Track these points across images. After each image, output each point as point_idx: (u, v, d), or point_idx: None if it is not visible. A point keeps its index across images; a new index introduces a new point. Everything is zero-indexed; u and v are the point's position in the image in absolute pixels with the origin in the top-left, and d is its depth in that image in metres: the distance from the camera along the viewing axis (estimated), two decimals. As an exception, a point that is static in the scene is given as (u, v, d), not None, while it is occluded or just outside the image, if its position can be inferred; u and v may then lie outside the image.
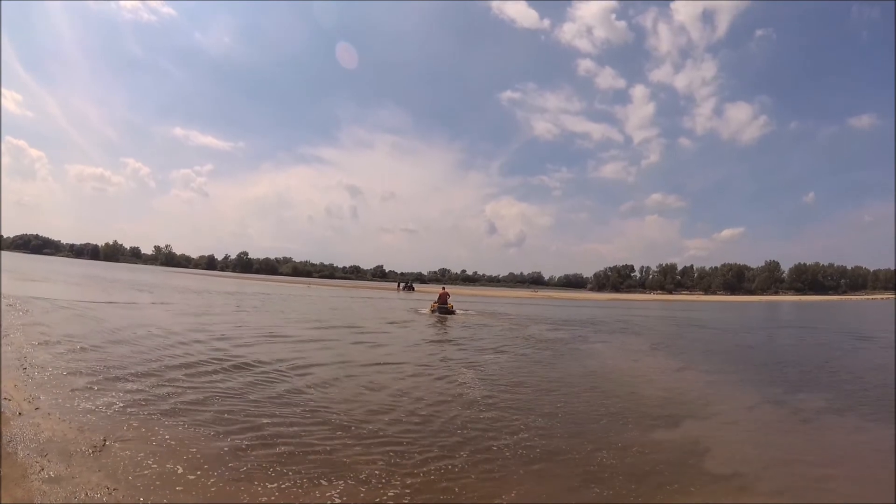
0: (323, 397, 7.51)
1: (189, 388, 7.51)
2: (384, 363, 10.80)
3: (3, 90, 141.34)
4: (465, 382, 8.93)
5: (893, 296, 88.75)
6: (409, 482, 4.66)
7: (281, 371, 9.14)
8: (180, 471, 4.54)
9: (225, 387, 7.75)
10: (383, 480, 4.68)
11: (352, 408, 6.96)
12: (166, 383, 7.66)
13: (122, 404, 6.39)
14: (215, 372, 8.76)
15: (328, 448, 5.39)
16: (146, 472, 4.48)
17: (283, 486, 4.44)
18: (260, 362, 9.75)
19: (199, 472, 4.54)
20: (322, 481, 4.58)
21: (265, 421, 6.16)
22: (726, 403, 8.54)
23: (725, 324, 30.28)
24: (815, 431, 7.13)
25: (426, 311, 25.15)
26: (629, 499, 4.57)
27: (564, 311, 35.53)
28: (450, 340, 15.09)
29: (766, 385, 10.13)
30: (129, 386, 7.34)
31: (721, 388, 9.80)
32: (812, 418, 7.74)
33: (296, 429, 5.94)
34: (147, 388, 7.26)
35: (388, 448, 5.49)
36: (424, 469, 4.98)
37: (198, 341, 11.87)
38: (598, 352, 14.53)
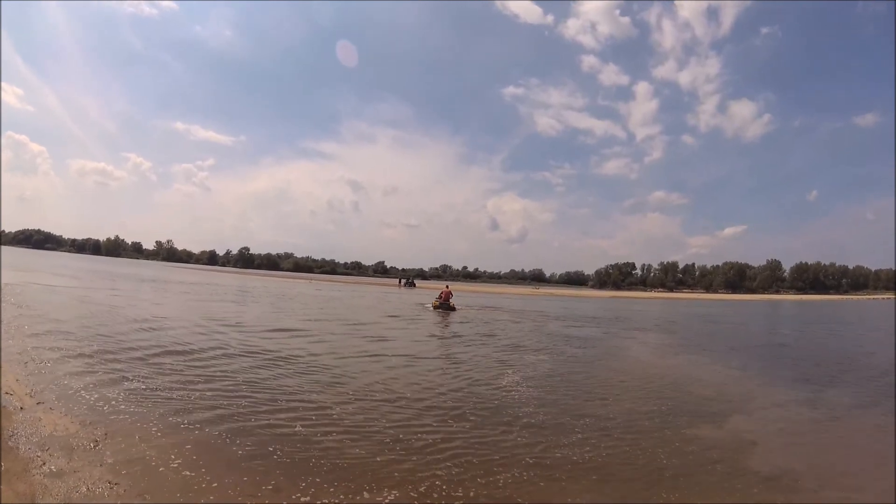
0: (358, 399, 7.19)
1: (199, 381, 7.48)
2: (415, 357, 10.83)
3: (3, 85, 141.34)
4: (508, 384, 8.66)
5: (895, 296, 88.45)
6: (471, 493, 4.43)
7: (307, 365, 9.13)
8: (184, 468, 4.49)
9: (240, 380, 7.69)
10: (444, 493, 4.41)
11: (394, 413, 6.66)
12: (173, 376, 7.64)
13: (125, 398, 6.35)
14: (226, 366, 8.74)
15: (377, 459, 5.04)
16: (149, 467, 4.44)
17: (319, 501, 4.15)
18: (281, 356, 9.76)
19: (203, 472, 4.45)
20: (366, 493, 4.30)
21: (294, 424, 5.88)
22: (765, 399, 8.66)
23: (738, 321, 30.51)
24: (848, 427, 7.22)
25: (431, 307, 25.20)
26: (696, 499, 4.55)
27: (573, 308, 35.49)
28: (473, 338, 14.81)
29: (801, 381, 10.32)
30: (133, 379, 7.30)
31: (758, 385, 9.90)
32: (844, 415, 7.86)
33: (333, 437, 5.56)
34: (152, 382, 7.22)
35: (442, 457, 5.17)
36: (489, 479, 4.72)
37: (207, 333, 11.83)
38: (628, 348, 14.61)
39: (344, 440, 5.47)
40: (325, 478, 4.52)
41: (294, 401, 6.86)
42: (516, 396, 7.85)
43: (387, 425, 6.06)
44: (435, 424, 6.23)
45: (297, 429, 5.71)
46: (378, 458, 5.05)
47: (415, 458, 5.14)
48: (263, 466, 4.66)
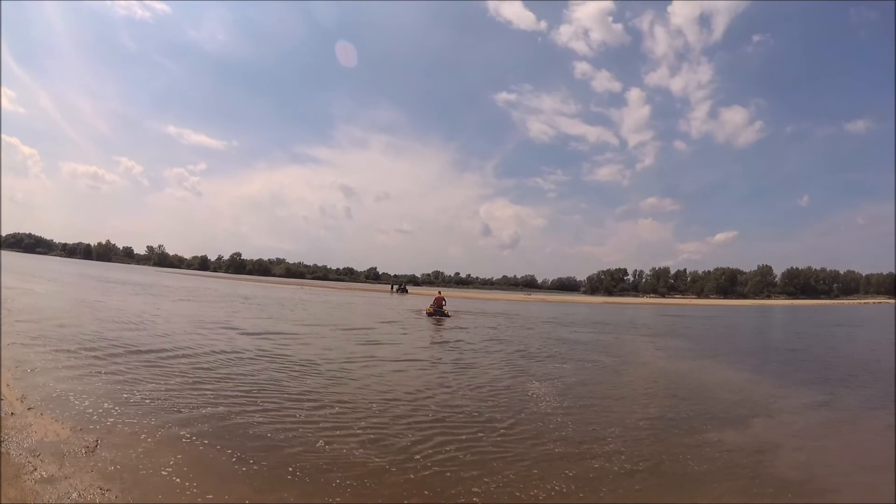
0: (380, 408, 7.03)
1: (198, 386, 7.49)
2: (429, 364, 10.82)
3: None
4: (532, 393, 8.47)
5: (893, 300, 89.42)
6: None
7: (320, 370, 9.14)
8: (178, 476, 4.49)
9: (247, 387, 7.67)
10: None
11: (418, 425, 6.39)
12: (169, 381, 7.63)
13: (119, 403, 6.35)
14: (228, 370, 8.77)
15: (410, 474, 4.80)
16: (141, 474, 4.45)
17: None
18: (292, 361, 9.83)
19: (199, 482, 4.42)
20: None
21: (315, 437, 5.66)
22: (785, 402, 8.91)
23: (741, 326, 31.11)
24: (862, 429, 7.48)
25: (425, 313, 25.11)
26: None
27: (571, 313, 35.60)
28: (483, 345, 14.48)
29: (816, 384, 10.64)
30: (127, 384, 7.29)
31: (776, 389, 10.11)
32: (858, 416, 8.14)
33: (360, 452, 5.28)
34: (148, 387, 7.21)
35: (476, 472, 4.95)
36: (529, 492, 4.59)
37: (205, 337, 11.74)
38: (644, 354, 14.71)
39: (368, 454, 5.28)
40: (347, 495, 4.36)
41: (309, 408, 6.78)
42: (542, 405, 7.73)
43: (412, 438, 5.85)
44: (464, 437, 6.00)
45: (319, 444, 5.47)
46: (410, 474, 4.84)
47: (448, 474, 4.90)
48: (271, 480, 4.56)
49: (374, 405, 7.18)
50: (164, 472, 4.50)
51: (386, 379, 9.07)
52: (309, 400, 7.23)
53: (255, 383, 7.98)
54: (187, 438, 5.39)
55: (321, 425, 6.09)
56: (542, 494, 4.59)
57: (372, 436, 5.83)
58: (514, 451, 5.64)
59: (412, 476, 4.81)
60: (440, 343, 15.19)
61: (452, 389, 8.52)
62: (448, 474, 4.90)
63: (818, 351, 17.57)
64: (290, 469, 4.77)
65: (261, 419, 6.19)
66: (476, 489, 4.62)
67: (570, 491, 4.69)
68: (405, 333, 16.88)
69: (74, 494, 3.99)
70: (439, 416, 6.82)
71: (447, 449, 5.57)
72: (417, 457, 5.29)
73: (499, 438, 6.05)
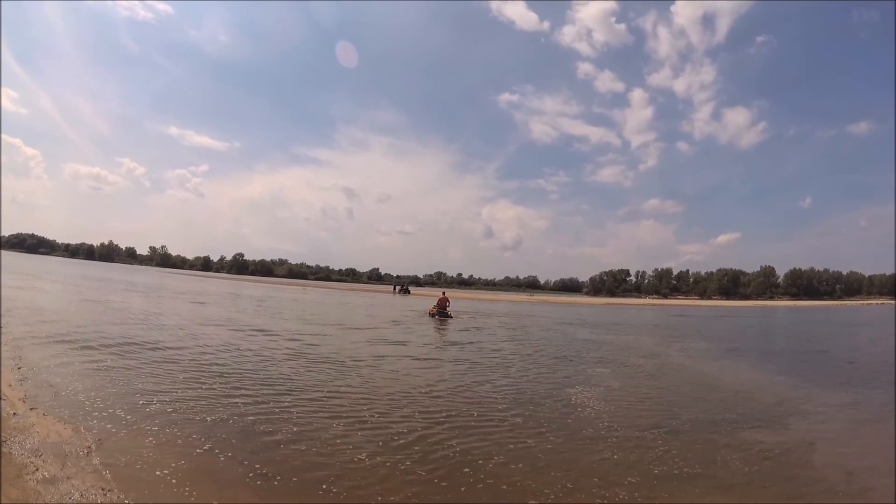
0: (421, 412, 6.83)
1: (200, 387, 7.42)
2: (455, 367, 10.65)
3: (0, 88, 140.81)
4: (574, 399, 8.19)
5: (893, 301, 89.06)
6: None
7: (357, 374, 9.06)
8: (179, 478, 4.41)
9: (256, 390, 7.54)
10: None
11: (463, 433, 6.11)
12: (171, 383, 7.56)
13: (121, 404, 6.28)
14: (236, 371, 8.73)
15: (460, 488, 4.57)
16: (141, 474, 4.39)
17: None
18: (311, 358, 9.85)
19: (201, 484, 4.35)
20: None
21: (336, 436, 5.56)
22: (817, 403, 8.88)
23: (761, 327, 31.20)
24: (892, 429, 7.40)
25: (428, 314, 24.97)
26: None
27: (582, 315, 35.47)
28: (511, 349, 14.24)
29: (847, 385, 10.69)
30: (130, 384, 7.24)
31: (807, 389, 10.05)
32: (885, 416, 8.09)
33: (397, 462, 5.01)
34: (150, 388, 7.15)
35: (533, 482, 4.76)
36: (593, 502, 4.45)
37: (208, 337, 11.70)
38: (668, 355, 14.55)
39: (413, 465, 5.01)
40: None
41: (345, 409, 6.68)
42: (588, 411, 7.49)
43: (457, 448, 5.56)
44: (511, 446, 5.75)
45: (363, 450, 5.22)
46: (461, 488, 4.57)
47: (504, 486, 4.65)
48: (283, 485, 4.43)
49: (410, 410, 7.00)
50: (165, 474, 4.42)
51: (418, 381, 8.92)
52: (336, 395, 7.24)
53: (290, 383, 8.00)
54: (193, 439, 5.31)
55: (356, 431, 5.95)
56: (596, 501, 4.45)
57: (416, 446, 5.54)
58: (567, 459, 5.43)
59: (463, 489, 4.56)
60: (464, 344, 14.73)
61: (489, 394, 8.28)
62: (504, 486, 4.65)
63: (840, 351, 17.60)
64: (321, 485, 4.52)
65: (284, 420, 6.11)
66: (532, 501, 4.42)
67: (632, 499, 4.53)
68: (422, 335, 16.67)
69: (76, 495, 3.92)
70: (480, 424, 6.56)
71: (495, 459, 5.30)
72: (466, 469, 4.99)
73: (549, 446, 5.81)
